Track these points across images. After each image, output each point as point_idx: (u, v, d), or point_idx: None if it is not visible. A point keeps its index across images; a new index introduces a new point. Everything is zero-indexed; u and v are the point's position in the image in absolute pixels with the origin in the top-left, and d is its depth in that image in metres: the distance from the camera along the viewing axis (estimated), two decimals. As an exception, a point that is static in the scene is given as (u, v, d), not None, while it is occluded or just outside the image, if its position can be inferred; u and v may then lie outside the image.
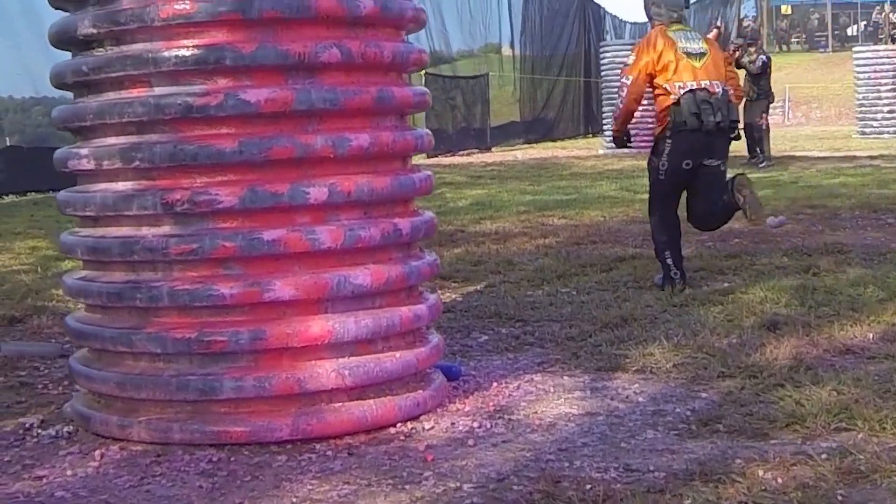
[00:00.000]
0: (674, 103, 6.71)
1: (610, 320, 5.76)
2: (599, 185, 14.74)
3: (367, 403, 4.03)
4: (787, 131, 30.35)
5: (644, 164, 6.92)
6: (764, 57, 17.18)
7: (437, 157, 22.94)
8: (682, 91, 6.70)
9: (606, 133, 23.60)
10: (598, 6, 34.38)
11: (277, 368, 3.93)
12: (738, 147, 17.86)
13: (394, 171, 4.17)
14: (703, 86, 6.72)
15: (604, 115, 24.09)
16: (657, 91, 6.84)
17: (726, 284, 6.84)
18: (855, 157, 19.00)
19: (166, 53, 3.88)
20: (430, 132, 4.43)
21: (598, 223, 10.45)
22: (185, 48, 3.86)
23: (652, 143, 7.04)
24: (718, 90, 6.75)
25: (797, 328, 5.34)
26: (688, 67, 6.78)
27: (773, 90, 17.65)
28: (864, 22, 48.01)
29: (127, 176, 4.01)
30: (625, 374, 4.77)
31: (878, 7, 46.63)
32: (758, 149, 17.13)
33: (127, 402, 4.11)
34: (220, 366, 3.94)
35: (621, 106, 6.98)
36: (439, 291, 7.02)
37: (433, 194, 14.01)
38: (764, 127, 17.04)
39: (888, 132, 24.25)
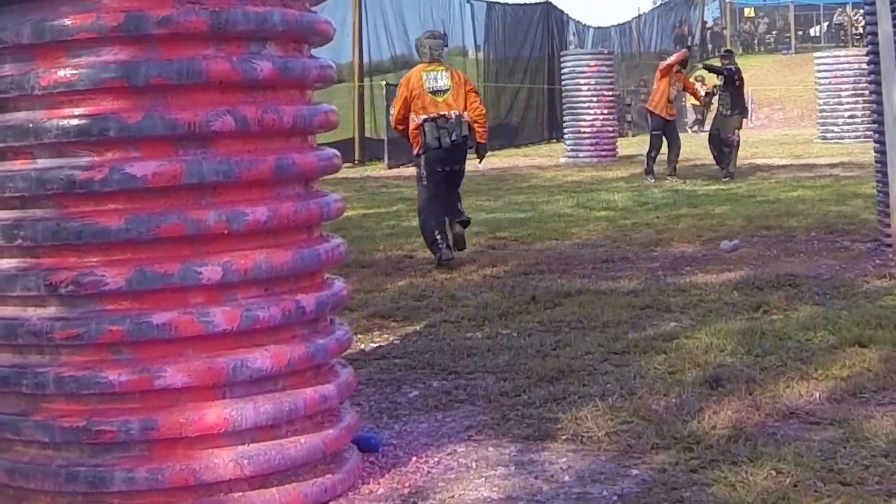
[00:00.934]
0: (420, 128, 9.23)
1: (546, 373, 5.51)
2: (556, 201, 14.54)
3: (269, 492, 3.76)
4: (750, 134, 30.23)
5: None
6: (731, 66, 17.07)
7: (398, 167, 22.66)
8: (424, 120, 9.22)
9: (568, 140, 23.44)
10: (562, 12, 34.14)
11: (171, 459, 3.66)
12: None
13: (297, 243, 3.88)
14: (441, 114, 9.24)
15: (565, 123, 23.90)
16: (411, 119, 9.37)
17: (673, 325, 6.62)
18: (815, 166, 18.92)
19: (48, 124, 3.60)
20: (338, 198, 4.14)
21: (549, 248, 10.23)
22: (67, 118, 3.58)
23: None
24: (452, 116, 9.24)
25: (740, 385, 5.09)
26: (432, 103, 9.32)
27: (746, 106, 17.56)
28: (827, 23, 48.05)
29: (10, 254, 3.73)
30: (554, 443, 4.50)
31: (840, 8, 46.67)
32: (726, 164, 16.96)
33: (18, 491, 3.82)
34: (110, 456, 3.66)
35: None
36: (377, 332, 6.80)
37: (388, 212, 13.93)
38: (735, 143, 16.87)
39: (849, 137, 24.31)
